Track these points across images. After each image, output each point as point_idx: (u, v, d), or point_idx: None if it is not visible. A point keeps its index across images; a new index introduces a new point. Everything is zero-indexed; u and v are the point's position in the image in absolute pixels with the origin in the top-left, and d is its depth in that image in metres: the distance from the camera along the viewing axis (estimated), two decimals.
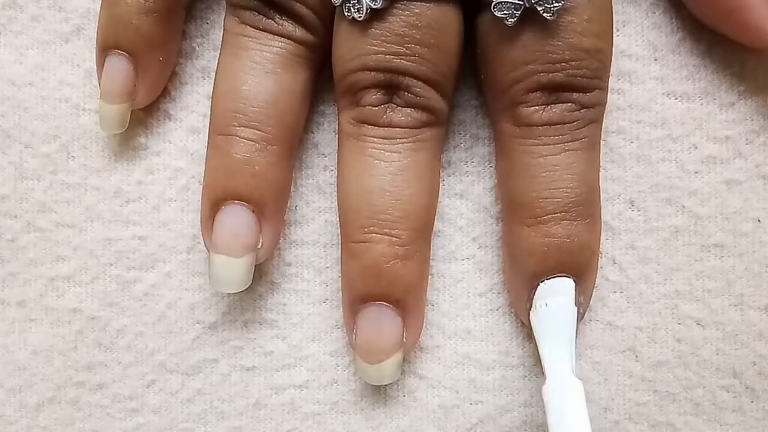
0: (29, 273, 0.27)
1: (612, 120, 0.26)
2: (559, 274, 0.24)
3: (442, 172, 0.26)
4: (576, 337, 0.25)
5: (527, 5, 0.23)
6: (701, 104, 0.26)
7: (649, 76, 0.26)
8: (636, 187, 0.26)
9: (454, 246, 0.26)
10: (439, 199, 0.26)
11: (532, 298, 0.24)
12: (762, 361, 0.25)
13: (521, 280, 0.24)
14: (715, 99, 0.26)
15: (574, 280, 0.24)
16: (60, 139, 0.27)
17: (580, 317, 0.24)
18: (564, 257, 0.23)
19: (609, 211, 0.26)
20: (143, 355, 0.26)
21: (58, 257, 0.27)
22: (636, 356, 0.25)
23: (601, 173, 0.26)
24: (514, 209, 0.24)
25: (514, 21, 0.23)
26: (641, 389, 0.25)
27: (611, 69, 0.26)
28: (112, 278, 0.27)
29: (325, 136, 0.26)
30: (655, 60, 0.26)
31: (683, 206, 0.26)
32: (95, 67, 0.26)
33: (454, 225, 0.26)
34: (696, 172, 0.26)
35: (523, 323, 0.25)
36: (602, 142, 0.26)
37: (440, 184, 0.26)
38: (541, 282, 0.24)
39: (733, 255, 0.25)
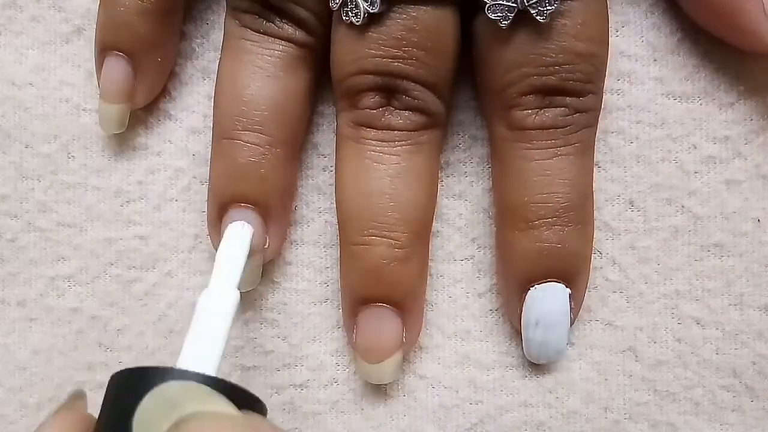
0: (30, 273, 0.27)
1: (612, 120, 0.26)
2: (550, 280, 0.24)
3: (441, 173, 0.26)
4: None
5: (520, 7, 0.22)
6: (701, 104, 0.26)
7: (649, 76, 0.26)
8: (636, 187, 0.26)
9: (453, 246, 0.26)
10: (438, 200, 0.26)
11: (523, 303, 0.24)
12: (762, 361, 0.25)
13: (512, 285, 0.25)
14: (714, 99, 0.26)
15: (565, 286, 0.24)
16: (60, 139, 0.27)
17: (571, 322, 0.25)
18: (554, 263, 0.24)
19: (609, 211, 0.26)
20: (144, 355, 0.26)
21: (58, 257, 0.27)
22: (636, 356, 0.25)
23: (601, 173, 0.26)
24: (506, 213, 0.24)
25: (508, 23, 0.23)
26: (641, 389, 0.25)
27: (610, 69, 0.26)
28: (113, 278, 0.27)
29: (325, 137, 0.26)
30: (655, 60, 0.26)
31: (683, 206, 0.26)
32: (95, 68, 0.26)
33: (453, 226, 0.26)
34: (696, 172, 0.26)
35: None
36: (602, 142, 0.26)
37: (439, 185, 0.26)
38: (532, 287, 0.24)
39: (733, 255, 0.25)
